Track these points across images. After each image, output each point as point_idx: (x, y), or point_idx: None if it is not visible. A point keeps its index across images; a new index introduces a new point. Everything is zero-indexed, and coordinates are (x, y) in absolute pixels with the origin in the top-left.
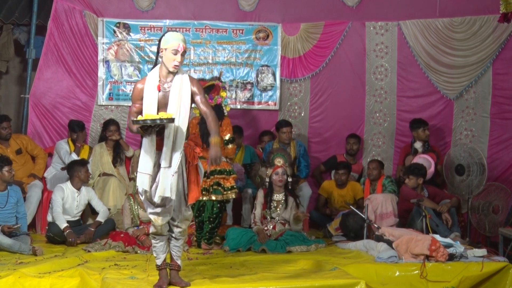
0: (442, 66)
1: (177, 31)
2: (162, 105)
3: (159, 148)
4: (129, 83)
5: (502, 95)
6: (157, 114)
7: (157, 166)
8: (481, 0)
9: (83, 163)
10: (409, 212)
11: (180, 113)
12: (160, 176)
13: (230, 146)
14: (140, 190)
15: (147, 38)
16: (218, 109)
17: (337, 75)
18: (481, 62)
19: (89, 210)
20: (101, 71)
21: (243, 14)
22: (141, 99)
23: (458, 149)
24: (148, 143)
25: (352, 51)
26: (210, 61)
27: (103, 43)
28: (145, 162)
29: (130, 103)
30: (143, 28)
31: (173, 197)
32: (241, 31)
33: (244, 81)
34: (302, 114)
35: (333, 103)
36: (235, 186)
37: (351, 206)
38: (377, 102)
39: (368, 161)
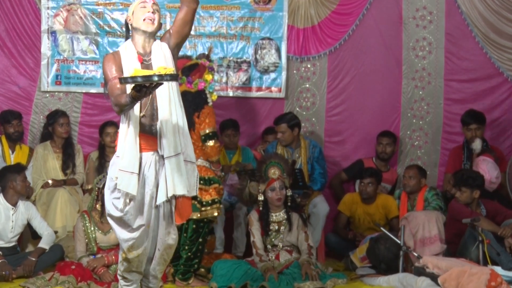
0: (506, 38)
1: None
2: None
3: (145, 146)
4: (83, 62)
5: None
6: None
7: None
8: None
9: (18, 169)
10: (460, 236)
11: (170, 85)
12: (167, 169)
13: (210, 143)
14: (112, 210)
15: (107, 2)
16: (199, 96)
17: (364, 51)
18: None
19: (29, 233)
20: (45, 46)
21: None
22: (121, 70)
23: None
24: (129, 127)
25: (384, 18)
26: (192, 32)
27: (48, 8)
28: (128, 156)
29: (84, 89)
30: None
31: (195, 193)
32: None
33: (239, 60)
34: (317, 105)
35: (358, 90)
36: (217, 200)
37: (382, 228)
38: (418, 87)
39: (405, 167)
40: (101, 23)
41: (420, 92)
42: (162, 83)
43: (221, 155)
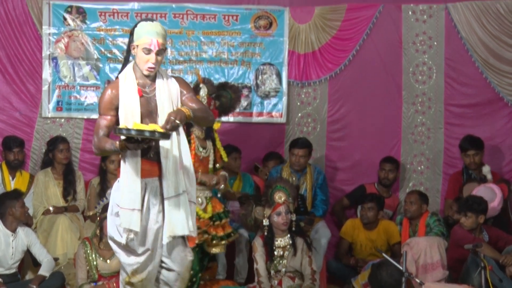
0: (506, 63)
1: (152, 21)
2: (146, 114)
3: (147, 174)
4: (84, 88)
5: None
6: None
7: (149, 199)
8: None
9: (17, 195)
10: (462, 263)
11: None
12: (167, 210)
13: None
14: (116, 236)
15: (108, 28)
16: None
17: (364, 76)
18: None
19: (30, 260)
20: (47, 72)
21: None
22: (115, 108)
23: None
24: (130, 167)
25: (384, 44)
26: (193, 57)
27: (49, 34)
28: (130, 193)
29: (85, 115)
30: (103, 14)
31: (195, 234)
32: (235, 18)
33: (240, 85)
34: (318, 129)
35: (359, 114)
36: (232, 233)
37: (383, 254)
38: (418, 112)
39: (407, 193)
40: (102, 49)
41: (421, 117)
42: (153, 142)
43: None
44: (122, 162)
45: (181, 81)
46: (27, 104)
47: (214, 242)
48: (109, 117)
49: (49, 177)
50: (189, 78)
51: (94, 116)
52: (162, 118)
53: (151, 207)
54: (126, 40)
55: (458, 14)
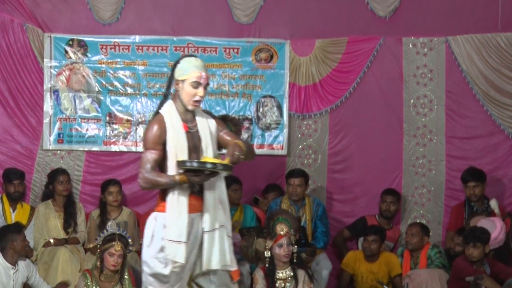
0: (506, 96)
1: (195, 56)
2: (192, 149)
3: (193, 209)
4: (85, 120)
5: None
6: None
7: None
8: None
9: (18, 229)
10: None
11: (216, 157)
12: (206, 243)
13: None
14: (157, 266)
15: (109, 60)
16: None
17: (365, 108)
18: None
19: None
20: (48, 105)
21: (239, 28)
22: (162, 143)
23: None
24: (178, 201)
25: (385, 76)
26: None
27: (50, 67)
28: (177, 226)
29: (86, 147)
30: (104, 47)
31: (235, 267)
32: (235, 51)
33: (240, 117)
34: (319, 161)
35: (360, 146)
36: None
37: (385, 286)
38: (419, 144)
39: (408, 225)
40: (103, 81)
41: (422, 149)
42: (215, 174)
43: None
44: (169, 196)
45: (216, 118)
46: (28, 137)
47: None
48: (157, 151)
49: (49, 209)
50: None
51: (96, 148)
52: (207, 153)
53: (194, 241)
54: (127, 72)
55: (459, 47)
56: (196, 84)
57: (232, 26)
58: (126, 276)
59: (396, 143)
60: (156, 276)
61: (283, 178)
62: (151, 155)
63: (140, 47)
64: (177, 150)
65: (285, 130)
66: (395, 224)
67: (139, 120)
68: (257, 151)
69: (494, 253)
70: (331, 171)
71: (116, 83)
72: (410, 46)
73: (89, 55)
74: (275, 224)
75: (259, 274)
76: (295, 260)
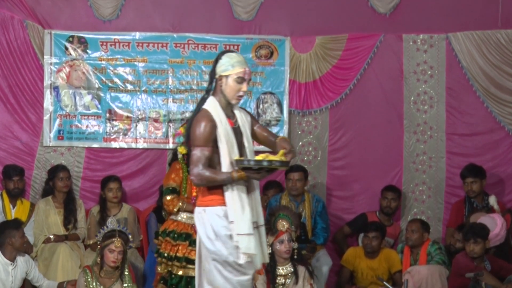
0: (507, 93)
1: (235, 52)
2: (238, 144)
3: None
4: (86, 117)
5: None
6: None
7: None
8: None
9: (17, 225)
10: None
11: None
12: (260, 238)
13: (167, 197)
14: (231, 256)
15: (109, 57)
16: (174, 150)
17: (365, 105)
18: None
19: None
20: (48, 101)
21: (239, 25)
22: (213, 140)
23: None
24: (239, 196)
25: (385, 73)
26: (194, 86)
27: (51, 64)
28: (246, 220)
29: (86, 144)
30: (104, 44)
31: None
32: (236, 47)
33: None
34: (319, 158)
35: (360, 143)
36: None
37: (385, 283)
38: (420, 141)
39: (408, 221)
40: (103, 78)
41: (422, 146)
42: (274, 171)
43: None
44: (228, 192)
45: (247, 111)
46: (28, 133)
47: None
48: (209, 148)
49: (49, 205)
50: (191, 107)
51: (96, 145)
52: (248, 148)
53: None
54: (127, 69)
55: (459, 43)
56: (241, 80)
57: (232, 23)
58: (126, 273)
59: (396, 139)
60: (230, 264)
61: (283, 175)
62: (205, 153)
63: (140, 44)
64: (229, 146)
65: (285, 127)
66: (395, 220)
67: (139, 116)
68: (257, 148)
69: (495, 250)
70: (331, 167)
71: (116, 79)
72: (411, 43)
73: (89, 51)
74: (276, 220)
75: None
76: (295, 257)
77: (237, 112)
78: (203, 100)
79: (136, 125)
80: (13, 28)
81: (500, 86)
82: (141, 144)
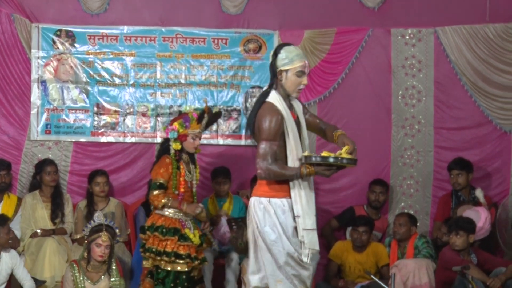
0: (494, 87)
1: (292, 45)
2: (300, 138)
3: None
4: (73, 111)
5: None
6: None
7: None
8: None
9: (2, 221)
10: (450, 285)
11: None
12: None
13: (154, 192)
14: (294, 254)
15: (97, 51)
16: (163, 145)
17: (353, 99)
18: None
19: (18, 284)
20: (35, 95)
21: (228, 19)
22: (281, 134)
23: None
24: (305, 192)
25: (374, 67)
26: (182, 80)
27: (38, 58)
28: (311, 215)
29: (73, 138)
30: (92, 37)
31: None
32: (224, 41)
33: (229, 108)
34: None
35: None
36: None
37: (372, 276)
38: (408, 135)
39: (396, 215)
40: (91, 72)
41: (410, 140)
42: (342, 168)
43: (211, 203)
44: (296, 187)
45: (299, 100)
46: (16, 127)
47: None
48: (277, 143)
49: (37, 199)
50: (179, 101)
51: (83, 139)
52: (305, 139)
53: None
54: (115, 63)
55: (447, 38)
56: (301, 73)
57: (220, 17)
58: (113, 267)
59: (384, 133)
60: (294, 258)
61: None
62: (272, 146)
63: (128, 38)
64: (295, 139)
65: None
66: (382, 214)
67: (127, 111)
68: (245, 142)
69: (480, 243)
70: None
71: (104, 73)
72: (399, 37)
73: (77, 45)
74: None
75: (247, 264)
76: None
77: (294, 104)
78: (265, 93)
79: (124, 119)
80: (0, 22)
81: (488, 80)
82: (129, 138)
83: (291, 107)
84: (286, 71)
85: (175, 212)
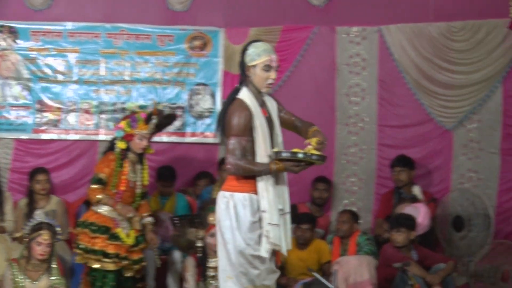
0: (437, 85)
1: (261, 41)
2: (270, 133)
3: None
4: (15, 108)
5: None
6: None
7: None
8: (488, 0)
9: None
10: (391, 281)
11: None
12: (285, 225)
13: (92, 186)
14: (245, 251)
15: (40, 47)
16: (110, 142)
17: (298, 96)
18: (487, 80)
19: None
20: None
21: (173, 15)
22: (250, 129)
23: (456, 196)
24: (272, 187)
25: (318, 65)
26: (127, 77)
27: None
28: (276, 211)
29: (14, 135)
30: (35, 34)
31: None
32: (169, 38)
33: (173, 105)
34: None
35: (292, 134)
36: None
37: (314, 273)
38: (351, 133)
39: (338, 212)
40: (34, 68)
41: (353, 138)
42: (312, 165)
43: (154, 200)
44: (261, 182)
45: (274, 97)
46: None
47: (137, 266)
48: (246, 138)
49: None
50: (123, 98)
51: (25, 136)
52: (278, 136)
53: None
54: (59, 59)
55: (391, 36)
56: (268, 68)
57: (166, 14)
58: (54, 265)
59: (328, 131)
60: (244, 256)
61: (215, 166)
62: (241, 142)
63: (72, 34)
64: (264, 136)
65: None
66: (325, 211)
67: (70, 108)
68: (190, 139)
69: (420, 240)
70: None
71: (47, 70)
72: (344, 35)
73: (19, 41)
74: (207, 213)
75: (190, 262)
76: None
77: (267, 101)
78: (236, 91)
79: (67, 116)
80: None
81: (430, 78)
82: (71, 136)
83: (263, 104)
84: (254, 66)
85: (109, 211)
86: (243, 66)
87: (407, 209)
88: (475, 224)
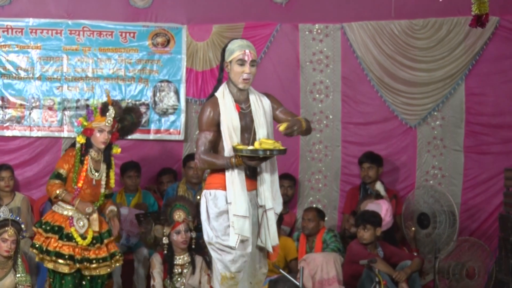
0: (400, 83)
1: (239, 38)
2: (245, 128)
3: (249, 187)
4: None
5: (478, 122)
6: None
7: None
8: None
9: None
10: (358, 278)
11: (270, 137)
12: (266, 221)
13: (52, 181)
14: (225, 239)
15: (2, 43)
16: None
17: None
18: (450, 78)
19: None
20: None
21: (135, 12)
22: (216, 124)
23: (421, 193)
24: (238, 180)
25: (281, 62)
26: (89, 74)
27: None
28: (242, 202)
29: None
30: None
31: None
32: (132, 35)
33: (137, 102)
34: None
35: None
36: (117, 253)
37: (280, 270)
38: (316, 130)
39: (304, 209)
40: None
41: (318, 135)
42: (270, 158)
43: (120, 197)
44: (228, 175)
45: (271, 97)
46: None
47: (95, 265)
48: (212, 133)
49: None
50: (86, 95)
51: None
52: (258, 133)
53: (252, 217)
54: (21, 56)
55: (354, 33)
56: (241, 62)
57: (128, 10)
58: (19, 263)
59: None
60: (213, 245)
61: (180, 163)
62: (207, 136)
63: (34, 30)
64: (230, 130)
65: (182, 115)
66: (291, 208)
67: (33, 104)
68: (154, 136)
69: (384, 236)
70: None
71: (9, 66)
72: (306, 32)
73: None
74: (172, 210)
75: (156, 259)
76: (193, 246)
77: (252, 97)
78: (215, 88)
79: (30, 113)
80: None
81: (393, 76)
82: (35, 132)
83: (244, 100)
84: (230, 62)
85: (64, 208)
86: (221, 63)
87: (370, 205)
88: (440, 221)
